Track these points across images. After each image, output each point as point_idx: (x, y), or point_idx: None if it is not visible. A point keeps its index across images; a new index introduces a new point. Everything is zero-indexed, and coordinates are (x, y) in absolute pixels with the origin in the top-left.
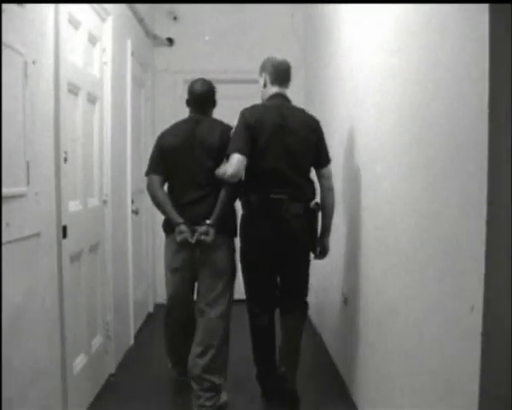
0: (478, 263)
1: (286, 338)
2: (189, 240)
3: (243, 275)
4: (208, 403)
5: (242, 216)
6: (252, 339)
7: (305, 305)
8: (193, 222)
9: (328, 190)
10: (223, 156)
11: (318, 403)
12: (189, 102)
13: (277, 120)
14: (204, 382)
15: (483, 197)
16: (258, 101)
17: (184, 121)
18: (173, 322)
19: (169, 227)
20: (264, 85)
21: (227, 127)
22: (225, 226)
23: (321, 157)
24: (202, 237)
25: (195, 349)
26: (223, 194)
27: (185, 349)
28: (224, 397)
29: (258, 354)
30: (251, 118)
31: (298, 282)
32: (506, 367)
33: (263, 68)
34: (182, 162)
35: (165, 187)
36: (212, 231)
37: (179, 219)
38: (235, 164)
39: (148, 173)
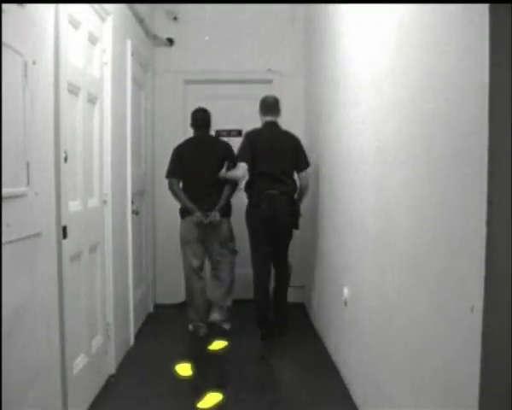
0: (478, 263)
1: (278, 284)
2: (204, 221)
3: (250, 243)
4: (221, 317)
5: (247, 205)
6: (254, 284)
7: (288, 265)
8: (205, 209)
9: (304, 187)
10: (223, 163)
11: (317, 404)
12: (193, 125)
13: (269, 138)
14: (218, 305)
15: (483, 197)
16: (257, 101)
17: (194, 138)
18: (191, 282)
19: (184, 212)
20: (260, 116)
21: (225, 143)
22: (225, 211)
23: (300, 164)
24: (212, 218)
25: (214, 284)
26: (227, 190)
27: (198, 305)
28: (228, 325)
29: (259, 287)
30: (251, 137)
31: (283, 247)
32: (506, 367)
33: (259, 106)
34: (195, 168)
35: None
36: (218, 214)
37: (195, 208)
38: (242, 170)
39: (168, 176)
